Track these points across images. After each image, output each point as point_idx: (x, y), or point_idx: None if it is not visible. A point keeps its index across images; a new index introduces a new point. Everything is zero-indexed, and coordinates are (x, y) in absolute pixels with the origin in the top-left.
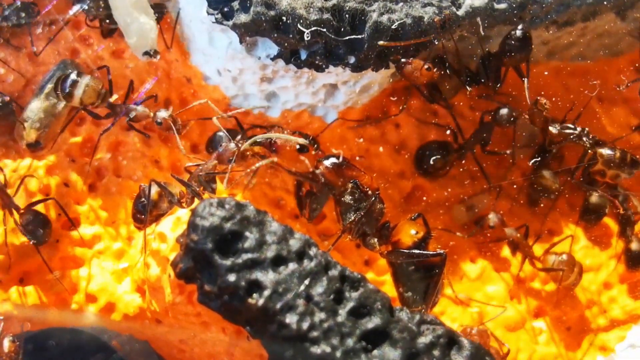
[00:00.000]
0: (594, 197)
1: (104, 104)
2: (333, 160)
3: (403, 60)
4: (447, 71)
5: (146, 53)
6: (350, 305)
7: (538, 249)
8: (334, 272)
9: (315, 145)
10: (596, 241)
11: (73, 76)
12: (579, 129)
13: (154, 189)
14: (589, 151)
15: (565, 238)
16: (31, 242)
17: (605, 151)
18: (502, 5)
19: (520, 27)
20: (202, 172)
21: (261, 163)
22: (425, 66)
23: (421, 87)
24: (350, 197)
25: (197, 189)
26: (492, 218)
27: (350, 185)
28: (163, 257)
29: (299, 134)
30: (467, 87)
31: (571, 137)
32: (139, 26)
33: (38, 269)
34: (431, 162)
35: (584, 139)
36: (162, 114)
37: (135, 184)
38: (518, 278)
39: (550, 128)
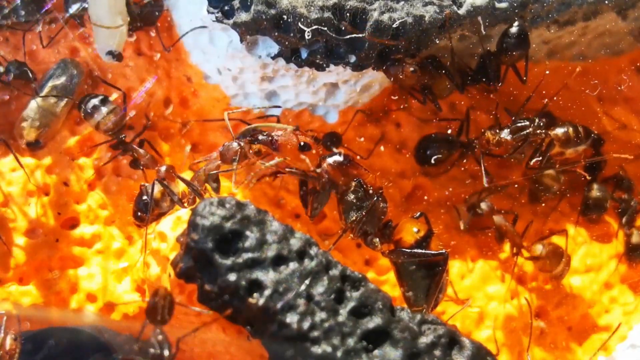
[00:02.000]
0: (594, 191)
1: (116, 136)
2: (336, 158)
3: (388, 62)
4: (442, 71)
5: (109, 53)
6: (351, 305)
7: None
8: (334, 272)
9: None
10: (597, 241)
11: (96, 101)
12: (528, 122)
13: (157, 188)
14: (546, 138)
15: (559, 232)
16: None
17: (558, 130)
18: (503, 4)
19: (516, 23)
20: (206, 172)
21: (269, 164)
22: (411, 69)
23: (412, 88)
24: (353, 196)
25: (199, 189)
26: (482, 205)
27: (353, 183)
28: (163, 257)
29: (299, 134)
30: (460, 91)
31: (530, 134)
32: (107, 25)
33: (38, 268)
34: (432, 156)
35: (538, 130)
36: (163, 169)
37: (135, 183)
38: (519, 278)
39: (505, 137)
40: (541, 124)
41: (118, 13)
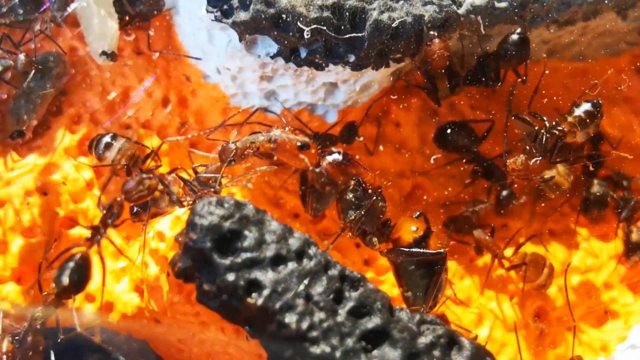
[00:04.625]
0: (595, 186)
1: (136, 167)
2: (335, 156)
3: (434, 33)
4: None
5: (103, 53)
6: (350, 305)
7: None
8: (333, 272)
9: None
10: (597, 241)
11: (106, 140)
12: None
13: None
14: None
15: (531, 237)
16: None
17: (576, 112)
18: (503, 4)
19: (518, 30)
20: (208, 175)
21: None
22: (446, 53)
23: (426, 79)
24: (352, 195)
25: (199, 189)
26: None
27: (352, 182)
28: (162, 256)
29: (299, 133)
30: (451, 92)
31: (547, 133)
32: (97, 26)
33: (36, 267)
34: (454, 139)
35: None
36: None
37: None
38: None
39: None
40: (554, 123)
41: (106, 13)
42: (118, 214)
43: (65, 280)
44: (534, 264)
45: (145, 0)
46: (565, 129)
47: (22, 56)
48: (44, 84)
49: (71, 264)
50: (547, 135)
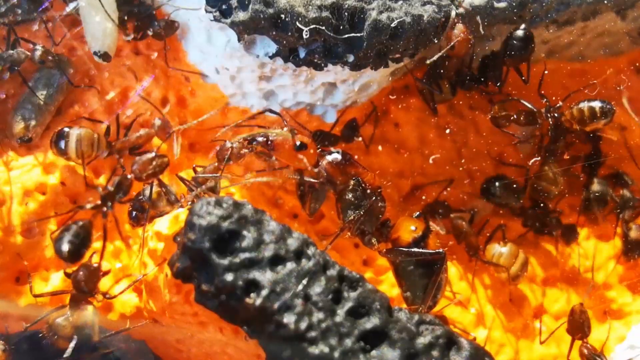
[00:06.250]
0: (595, 185)
1: (104, 152)
2: (335, 156)
3: (456, 19)
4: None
5: (95, 53)
6: (348, 305)
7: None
8: (332, 272)
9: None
10: (596, 241)
11: (63, 132)
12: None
13: (155, 188)
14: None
15: (498, 228)
16: None
17: (583, 105)
18: (502, 4)
19: (522, 26)
20: (206, 175)
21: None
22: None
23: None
24: (352, 194)
25: (198, 190)
26: (440, 208)
27: (352, 182)
28: (160, 257)
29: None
30: (452, 94)
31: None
32: (94, 25)
33: (34, 268)
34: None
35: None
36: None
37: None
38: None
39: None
40: (557, 105)
41: (103, 14)
42: (126, 190)
43: (65, 246)
44: (507, 255)
45: (161, 22)
46: (563, 117)
47: (39, 47)
48: (56, 92)
49: (70, 231)
50: (546, 115)
